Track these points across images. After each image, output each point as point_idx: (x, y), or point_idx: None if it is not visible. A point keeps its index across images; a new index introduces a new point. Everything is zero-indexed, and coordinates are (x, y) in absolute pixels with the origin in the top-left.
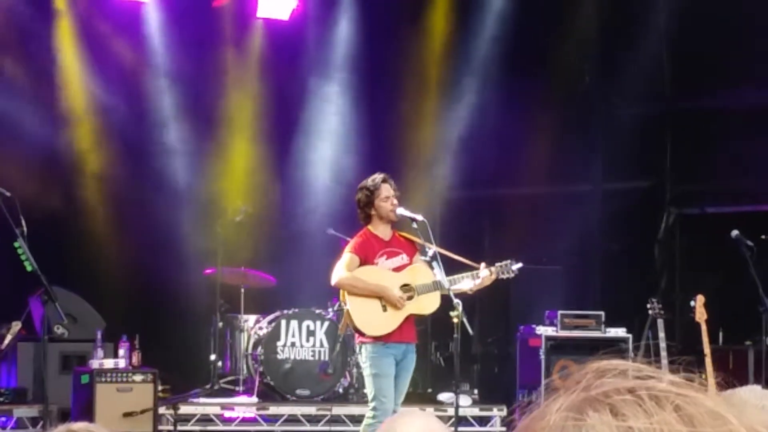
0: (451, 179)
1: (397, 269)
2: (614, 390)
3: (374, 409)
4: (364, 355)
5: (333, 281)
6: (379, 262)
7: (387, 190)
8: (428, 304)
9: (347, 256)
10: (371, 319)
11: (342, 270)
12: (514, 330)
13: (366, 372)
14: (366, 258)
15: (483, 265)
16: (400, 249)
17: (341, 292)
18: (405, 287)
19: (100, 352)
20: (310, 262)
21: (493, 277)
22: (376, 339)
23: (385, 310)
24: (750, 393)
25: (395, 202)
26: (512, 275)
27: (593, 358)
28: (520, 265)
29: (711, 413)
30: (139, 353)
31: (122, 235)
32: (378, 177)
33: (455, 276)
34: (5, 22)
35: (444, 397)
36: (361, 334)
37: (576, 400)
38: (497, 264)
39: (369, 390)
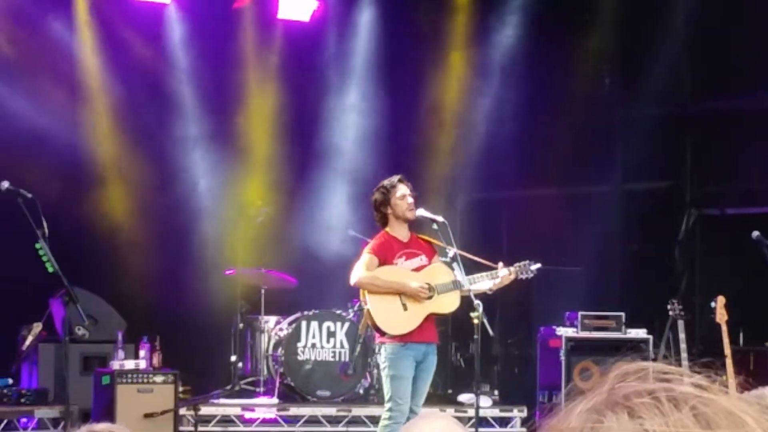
0: (472, 181)
1: (416, 270)
2: (634, 392)
3: (390, 410)
4: (383, 356)
5: (352, 281)
6: (398, 262)
7: (403, 189)
8: (448, 304)
9: (366, 257)
10: (391, 318)
11: (361, 270)
12: (535, 331)
13: (384, 373)
14: (385, 259)
15: (501, 264)
16: (419, 250)
17: (361, 291)
18: None
19: (121, 353)
20: (330, 264)
21: (512, 276)
22: (396, 339)
23: (405, 309)
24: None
25: (411, 201)
26: (531, 275)
27: (617, 360)
28: (538, 265)
29: (728, 415)
30: (160, 354)
31: (143, 237)
32: (394, 177)
33: (474, 276)
34: (27, 28)
35: (464, 398)
36: (382, 334)
37: (597, 402)
38: (516, 264)
39: (386, 391)
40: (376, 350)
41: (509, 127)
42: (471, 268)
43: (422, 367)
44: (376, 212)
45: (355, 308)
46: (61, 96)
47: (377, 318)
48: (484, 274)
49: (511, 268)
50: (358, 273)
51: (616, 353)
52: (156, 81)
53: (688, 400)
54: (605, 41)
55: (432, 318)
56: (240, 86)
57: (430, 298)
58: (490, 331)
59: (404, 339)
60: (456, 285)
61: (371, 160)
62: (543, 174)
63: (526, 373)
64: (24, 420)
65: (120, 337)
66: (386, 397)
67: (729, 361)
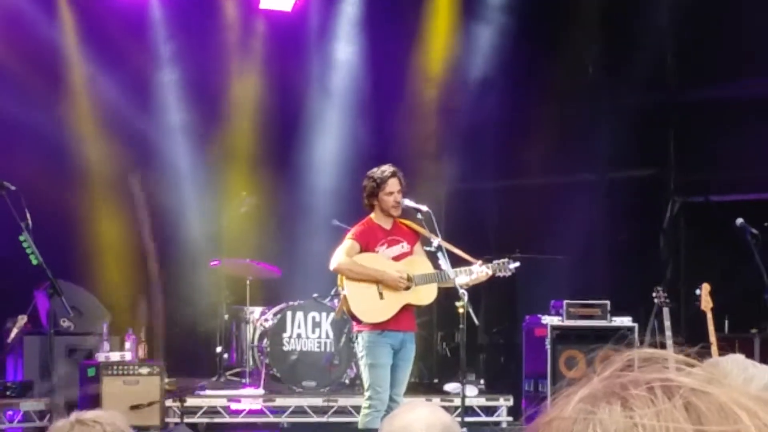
0: (456, 170)
1: (397, 258)
2: (632, 382)
3: (369, 398)
4: (360, 344)
5: (332, 266)
6: (379, 250)
7: (393, 185)
8: (425, 295)
9: (348, 243)
10: (367, 306)
11: (341, 255)
12: (520, 320)
13: (362, 361)
14: (367, 246)
15: (480, 262)
16: (401, 237)
17: (339, 277)
18: None
19: (106, 345)
20: (315, 254)
21: (490, 273)
22: (373, 327)
23: (381, 298)
24: (733, 363)
25: (399, 199)
26: (509, 273)
27: (606, 347)
28: (517, 264)
29: (721, 409)
30: (146, 346)
31: (127, 228)
32: (388, 170)
33: (456, 269)
34: (8, 22)
35: (450, 387)
36: (358, 322)
37: (594, 391)
38: (495, 262)
39: (365, 379)
40: (354, 339)
41: (493, 116)
42: (451, 261)
43: (401, 355)
44: (364, 198)
45: (333, 292)
46: (45, 89)
47: (353, 305)
48: (462, 269)
49: (489, 266)
50: (338, 258)
51: (602, 341)
52: (139, 73)
53: (683, 392)
54: (589, 29)
55: (409, 308)
56: (223, 77)
57: (407, 288)
58: (476, 321)
59: (380, 327)
60: (435, 277)
61: (355, 150)
62: (527, 163)
63: (511, 361)
64: (10, 413)
65: (105, 329)
66: (365, 386)
67: (714, 349)
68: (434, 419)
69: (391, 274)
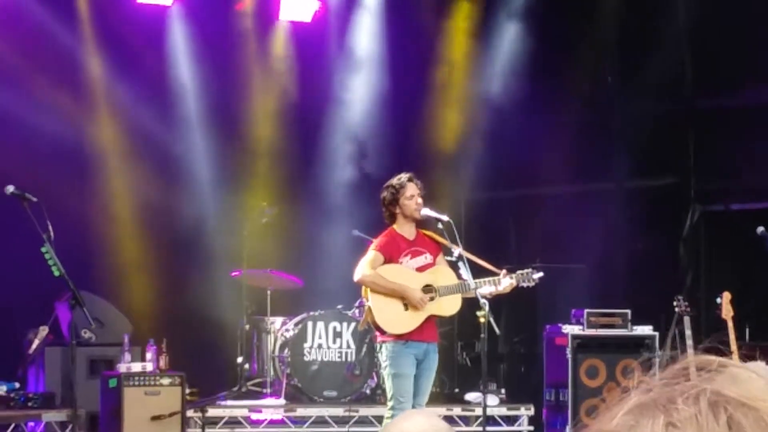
0: (476, 179)
1: (421, 269)
2: (681, 393)
3: (392, 408)
4: (384, 354)
5: (356, 277)
6: (403, 261)
7: (412, 188)
8: (449, 306)
9: (372, 254)
10: (392, 317)
11: (366, 267)
12: (541, 329)
13: (385, 372)
14: (390, 257)
15: (504, 272)
16: (425, 248)
17: (363, 288)
18: (427, 288)
19: (127, 356)
20: (335, 264)
21: (514, 283)
22: (397, 338)
23: (406, 309)
24: (755, 369)
25: (420, 201)
26: (533, 284)
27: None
28: (541, 274)
29: (765, 428)
30: (167, 356)
31: (149, 239)
32: (404, 176)
33: (477, 281)
34: (28, 30)
35: (471, 396)
36: (382, 333)
37: (643, 401)
38: (518, 272)
39: (388, 389)
40: (377, 349)
41: (513, 125)
42: (472, 271)
43: (424, 365)
44: (384, 210)
45: (357, 304)
46: (66, 99)
47: (378, 316)
48: (485, 279)
49: (513, 276)
50: (362, 270)
51: (623, 350)
52: (159, 83)
53: (728, 409)
54: (607, 39)
55: (433, 318)
56: (243, 88)
57: (432, 299)
58: (497, 330)
59: (404, 337)
60: (459, 288)
61: (375, 161)
62: (547, 172)
63: (532, 371)
64: (31, 424)
65: (126, 340)
66: (388, 396)
67: (735, 357)
68: (429, 427)
69: (413, 293)
